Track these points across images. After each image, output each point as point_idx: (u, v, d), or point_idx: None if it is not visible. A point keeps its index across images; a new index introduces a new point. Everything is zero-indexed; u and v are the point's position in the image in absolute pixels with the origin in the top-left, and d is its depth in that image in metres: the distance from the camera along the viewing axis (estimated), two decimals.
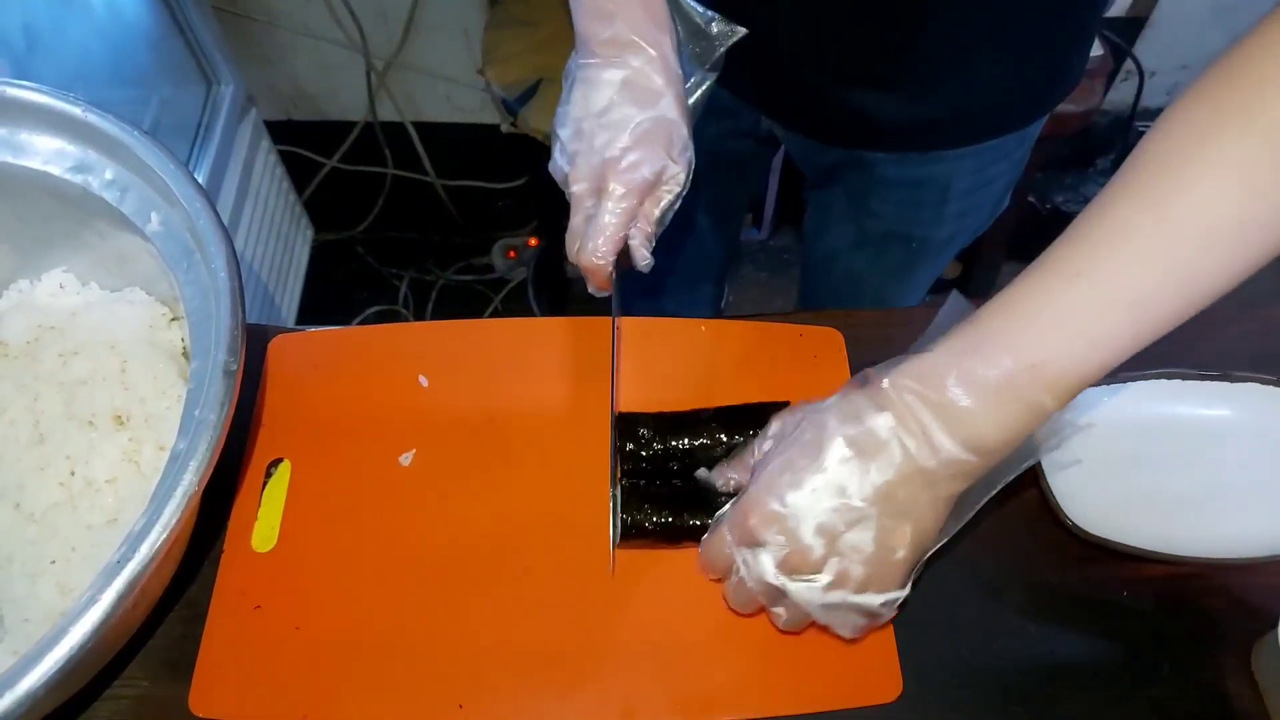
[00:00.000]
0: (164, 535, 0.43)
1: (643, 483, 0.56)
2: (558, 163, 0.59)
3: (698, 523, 0.53)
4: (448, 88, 1.75)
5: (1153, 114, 1.88)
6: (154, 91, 1.30)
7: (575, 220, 0.57)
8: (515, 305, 1.85)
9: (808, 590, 0.47)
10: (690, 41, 0.61)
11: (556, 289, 1.83)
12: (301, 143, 1.80)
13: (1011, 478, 0.50)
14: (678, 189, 0.58)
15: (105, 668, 0.50)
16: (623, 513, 0.54)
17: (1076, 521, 0.55)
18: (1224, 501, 0.57)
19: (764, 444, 0.52)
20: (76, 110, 0.56)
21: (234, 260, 0.52)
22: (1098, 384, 0.58)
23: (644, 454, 0.57)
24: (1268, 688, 0.51)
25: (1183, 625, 0.54)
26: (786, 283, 1.87)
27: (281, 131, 1.71)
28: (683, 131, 0.57)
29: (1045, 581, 0.56)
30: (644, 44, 0.56)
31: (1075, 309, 0.42)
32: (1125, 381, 0.59)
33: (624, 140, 0.55)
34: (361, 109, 1.77)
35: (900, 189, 0.78)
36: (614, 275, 0.56)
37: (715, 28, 0.61)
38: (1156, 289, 0.41)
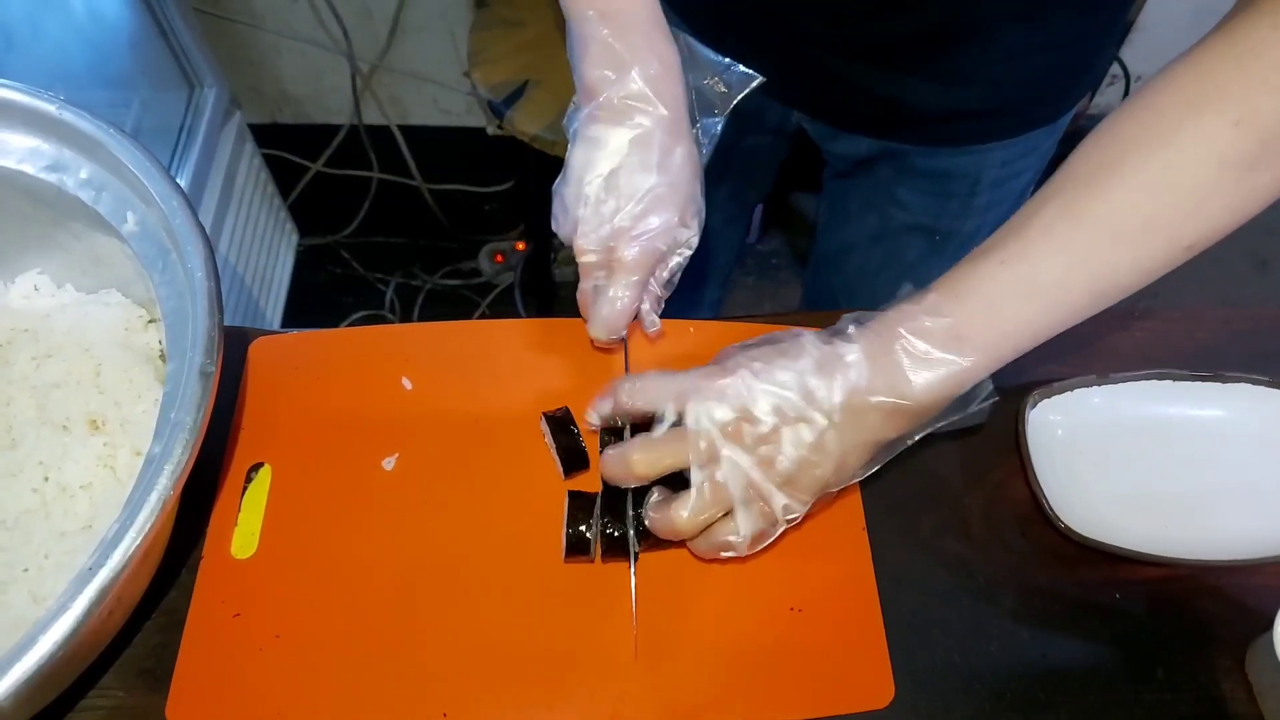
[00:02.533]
0: (138, 541, 0.42)
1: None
2: (561, 224, 0.56)
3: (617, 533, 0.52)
4: (434, 90, 1.74)
5: None
6: (135, 94, 1.29)
7: (585, 286, 0.57)
8: (502, 309, 1.84)
9: (740, 456, 0.48)
10: (702, 88, 0.58)
11: (544, 293, 1.82)
12: (286, 146, 1.79)
13: (920, 435, 0.52)
14: (689, 252, 0.57)
15: (80, 678, 0.49)
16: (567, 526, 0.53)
17: (1069, 524, 0.54)
18: (1217, 503, 0.57)
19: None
20: (51, 108, 0.54)
21: (211, 260, 0.50)
22: (1091, 385, 0.58)
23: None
24: (1262, 690, 0.51)
25: (1176, 627, 0.54)
26: (774, 287, 1.87)
27: (266, 135, 1.70)
28: (696, 193, 0.56)
29: (1037, 584, 0.55)
30: (656, 100, 0.53)
31: (997, 290, 0.48)
32: (1117, 382, 0.59)
33: (635, 208, 0.53)
34: (347, 112, 1.76)
35: (929, 180, 0.78)
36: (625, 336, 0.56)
37: (732, 75, 0.58)
38: (1066, 277, 0.48)
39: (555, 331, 0.63)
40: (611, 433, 0.55)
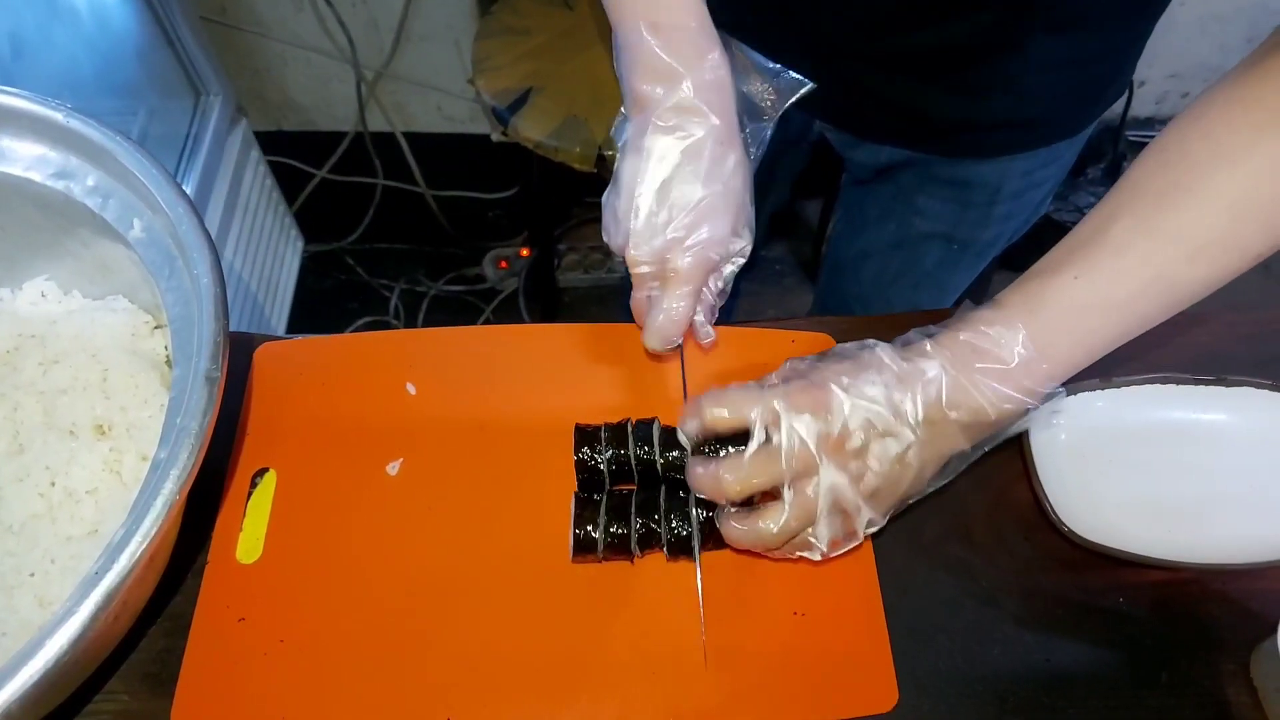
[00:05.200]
0: (144, 545, 0.42)
1: (595, 496, 0.55)
2: (613, 236, 0.56)
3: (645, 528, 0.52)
4: (438, 98, 1.75)
5: (1141, 123, 1.89)
6: (142, 102, 1.29)
7: (639, 295, 0.57)
8: (507, 316, 1.84)
9: (835, 474, 0.48)
10: (751, 94, 0.58)
11: (548, 299, 1.82)
12: (291, 153, 1.80)
13: (990, 447, 0.53)
14: (742, 260, 0.57)
15: (86, 682, 0.49)
16: (574, 528, 0.53)
17: (1073, 528, 0.54)
18: (1221, 506, 0.57)
19: (777, 375, 0.52)
20: (58, 116, 0.55)
21: (217, 266, 0.51)
22: (1094, 389, 0.58)
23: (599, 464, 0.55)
24: (1267, 694, 0.51)
25: (1180, 632, 0.54)
26: (778, 293, 1.87)
27: (271, 142, 1.70)
28: (747, 202, 0.56)
29: (1042, 589, 0.55)
30: (707, 110, 0.53)
31: (1073, 306, 0.49)
32: (1120, 386, 0.59)
33: (687, 219, 0.53)
34: (352, 119, 1.77)
35: (951, 188, 0.78)
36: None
37: (782, 81, 0.57)
38: (1142, 291, 0.49)
39: (559, 337, 0.63)
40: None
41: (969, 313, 0.51)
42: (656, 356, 0.61)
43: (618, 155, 0.56)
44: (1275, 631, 0.49)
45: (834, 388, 0.49)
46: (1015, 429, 0.52)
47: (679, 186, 0.53)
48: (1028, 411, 0.50)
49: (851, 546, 0.52)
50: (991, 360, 0.49)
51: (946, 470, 0.52)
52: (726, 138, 0.54)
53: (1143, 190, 0.49)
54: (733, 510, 0.51)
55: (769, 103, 0.58)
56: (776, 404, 0.49)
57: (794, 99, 0.58)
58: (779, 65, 0.58)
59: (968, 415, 0.49)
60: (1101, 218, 0.50)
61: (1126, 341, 0.50)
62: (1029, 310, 0.49)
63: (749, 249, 0.57)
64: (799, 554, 0.52)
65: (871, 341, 0.52)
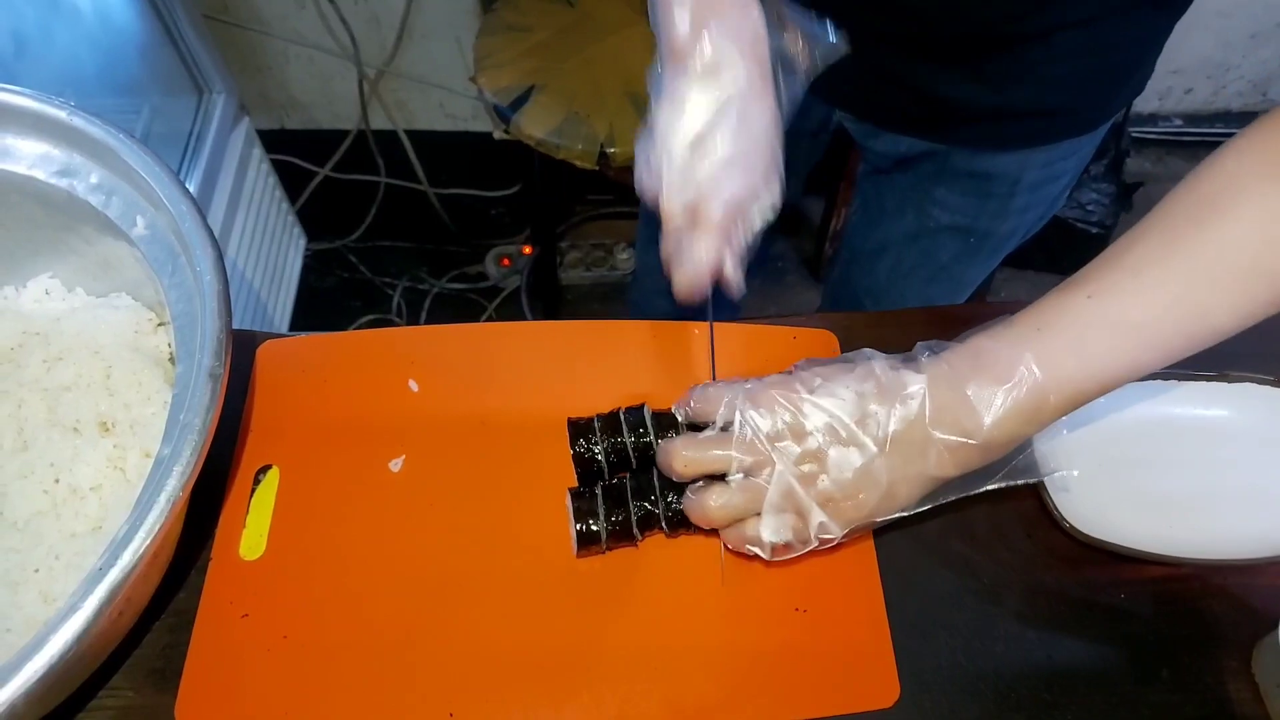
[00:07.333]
0: (147, 541, 0.42)
1: (590, 489, 0.55)
2: (644, 183, 0.56)
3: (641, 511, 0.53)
4: (440, 95, 1.75)
5: (1145, 119, 1.89)
6: (145, 100, 1.29)
7: (668, 244, 0.56)
8: (509, 313, 1.85)
9: (783, 464, 0.48)
10: (785, 49, 0.57)
11: (550, 297, 1.83)
12: (294, 151, 1.80)
13: (982, 489, 0.52)
14: (772, 214, 0.56)
15: (90, 678, 0.49)
16: (576, 523, 0.53)
17: (1074, 524, 0.54)
18: (1222, 502, 0.57)
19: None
20: (62, 114, 0.55)
21: (220, 263, 0.51)
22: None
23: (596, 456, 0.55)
24: (1269, 690, 0.51)
25: (1182, 628, 0.54)
26: (780, 290, 1.87)
27: (274, 140, 1.71)
28: (778, 154, 0.55)
29: (1043, 585, 0.55)
30: (741, 60, 0.53)
31: (1085, 327, 0.46)
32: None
33: (719, 168, 0.53)
34: (354, 117, 1.77)
35: (970, 179, 0.78)
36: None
37: (818, 37, 0.57)
38: (1160, 317, 0.46)
39: (561, 335, 0.63)
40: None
41: (978, 330, 0.50)
42: (666, 337, 0.61)
43: (651, 104, 0.56)
44: (1276, 627, 0.49)
45: (800, 387, 0.49)
46: (1022, 478, 0.51)
47: (712, 137, 0.53)
48: (1026, 443, 0.49)
49: (803, 551, 0.51)
50: (990, 379, 0.47)
51: (933, 497, 0.51)
52: (760, 90, 0.54)
53: (1171, 213, 0.47)
54: (696, 485, 0.52)
55: (803, 58, 0.58)
56: (740, 397, 0.50)
57: (831, 60, 0.58)
58: (815, 18, 0.57)
59: (954, 435, 0.47)
60: (1128, 239, 0.48)
61: (1146, 374, 0.47)
62: (1036, 328, 0.47)
63: (779, 201, 0.56)
64: (749, 548, 0.51)
65: (869, 352, 0.52)
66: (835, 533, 0.50)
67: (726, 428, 0.51)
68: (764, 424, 0.49)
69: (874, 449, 0.48)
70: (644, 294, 1.10)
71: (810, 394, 0.49)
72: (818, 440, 0.49)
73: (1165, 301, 0.46)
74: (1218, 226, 0.45)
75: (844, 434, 0.48)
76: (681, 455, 0.51)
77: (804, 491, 0.49)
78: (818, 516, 0.49)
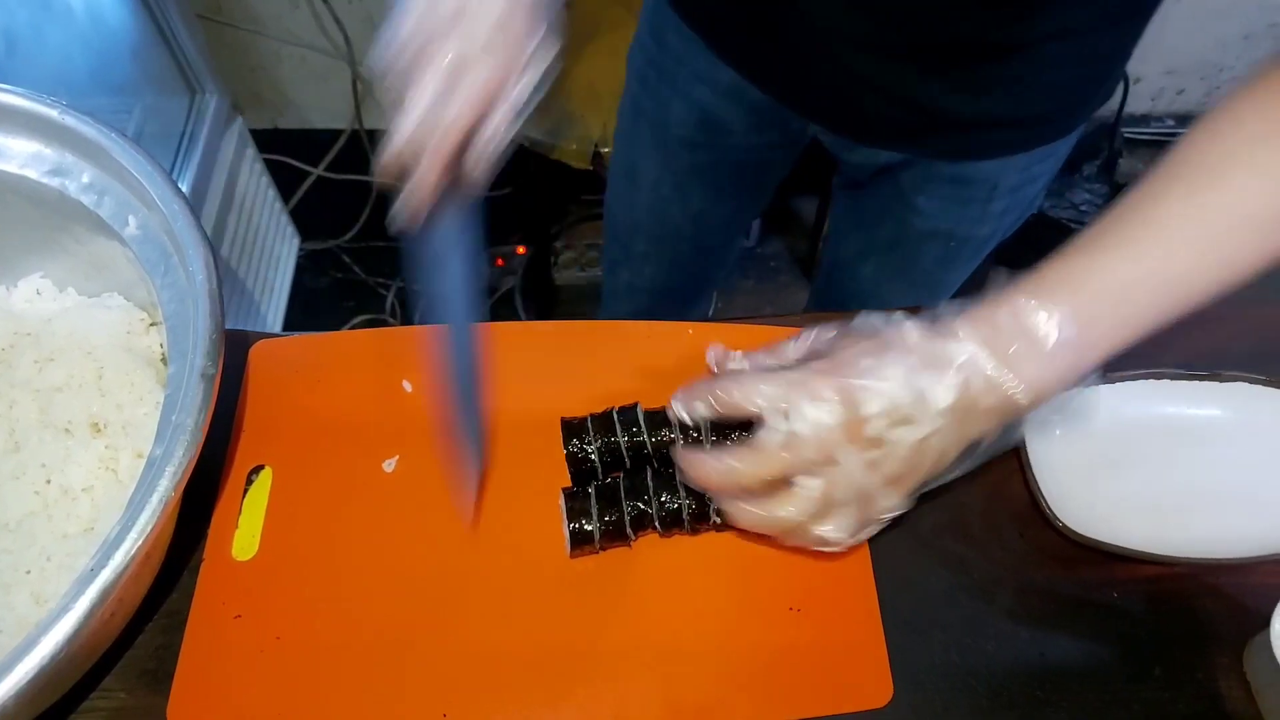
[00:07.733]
0: (139, 542, 0.42)
1: (584, 488, 0.55)
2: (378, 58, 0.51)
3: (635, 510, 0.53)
4: None
5: (1138, 120, 1.90)
6: (137, 99, 1.29)
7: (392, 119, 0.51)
8: (503, 314, 1.84)
9: (852, 463, 0.47)
10: None
11: (543, 297, 1.82)
12: (287, 151, 1.80)
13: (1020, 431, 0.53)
14: (545, 65, 0.52)
15: (82, 679, 0.49)
16: (569, 522, 0.53)
17: (1067, 523, 0.54)
18: (1215, 501, 0.57)
19: (798, 344, 0.52)
20: (54, 113, 0.55)
21: (213, 263, 0.51)
22: (1086, 384, 0.58)
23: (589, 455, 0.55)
24: (1260, 688, 0.51)
25: (1174, 626, 0.54)
26: (774, 290, 1.87)
27: (267, 140, 1.70)
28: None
29: (1035, 584, 0.55)
30: None
31: (1124, 282, 0.47)
32: (1115, 382, 0.59)
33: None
34: (347, 117, 1.77)
35: (949, 185, 0.78)
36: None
37: None
38: (1195, 265, 0.47)
39: (554, 335, 0.63)
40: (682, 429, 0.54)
41: (1006, 289, 0.49)
42: (659, 337, 0.60)
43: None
44: (1268, 625, 0.49)
45: (852, 371, 0.48)
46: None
47: None
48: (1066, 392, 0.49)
49: (873, 532, 0.51)
50: (1028, 341, 0.47)
51: (974, 453, 0.51)
52: None
53: (1193, 164, 0.48)
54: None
55: None
56: (792, 390, 0.48)
57: None
58: None
59: (999, 401, 0.47)
60: (1149, 191, 0.48)
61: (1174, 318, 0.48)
62: (1071, 288, 0.47)
63: (554, 49, 0.52)
64: (819, 548, 0.51)
65: (899, 315, 0.50)
66: (900, 510, 0.50)
67: (757, 422, 0.49)
68: (827, 418, 0.47)
69: (931, 425, 0.47)
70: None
71: (859, 379, 0.47)
72: (879, 424, 0.47)
73: (1200, 251, 0.47)
74: (1236, 180, 0.46)
75: (902, 413, 0.47)
76: (742, 469, 0.48)
77: (871, 479, 0.48)
78: (884, 500, 0.49)
